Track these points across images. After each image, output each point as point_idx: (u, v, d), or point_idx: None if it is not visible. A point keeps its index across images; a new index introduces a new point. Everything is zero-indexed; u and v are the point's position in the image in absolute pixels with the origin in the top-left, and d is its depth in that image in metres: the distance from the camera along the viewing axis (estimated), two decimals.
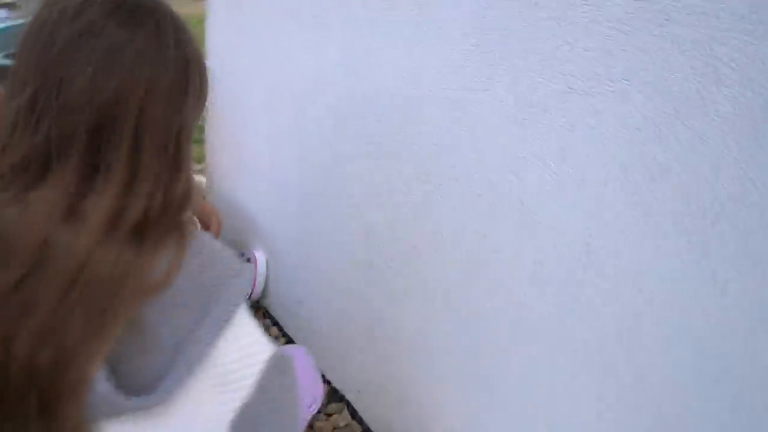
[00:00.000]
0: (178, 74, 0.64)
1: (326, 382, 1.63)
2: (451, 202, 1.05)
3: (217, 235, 1.24)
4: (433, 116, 1.04)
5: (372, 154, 1.20)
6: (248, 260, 1.80)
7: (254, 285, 1.78)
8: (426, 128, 1.06)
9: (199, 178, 2.50)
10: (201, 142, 2.07)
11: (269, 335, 1.80)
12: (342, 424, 1.52)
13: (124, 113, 0.60)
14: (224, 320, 0.65)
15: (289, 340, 1.78)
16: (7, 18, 3.56)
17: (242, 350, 0.71)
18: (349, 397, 1.55)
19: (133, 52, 0.60)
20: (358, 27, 1.16)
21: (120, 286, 0.59)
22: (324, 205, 1.44)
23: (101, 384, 0.59)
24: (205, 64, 0.71)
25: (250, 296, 1.77)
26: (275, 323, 1.85)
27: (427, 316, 1.18)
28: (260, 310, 1.91)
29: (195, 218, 0.88)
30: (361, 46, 1.17)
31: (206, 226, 1.19)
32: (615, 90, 0.75)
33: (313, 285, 1.58)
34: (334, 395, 1.60)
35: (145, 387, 0.63)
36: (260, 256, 1.79)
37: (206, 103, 0.73)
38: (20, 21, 1.61)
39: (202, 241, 0.69)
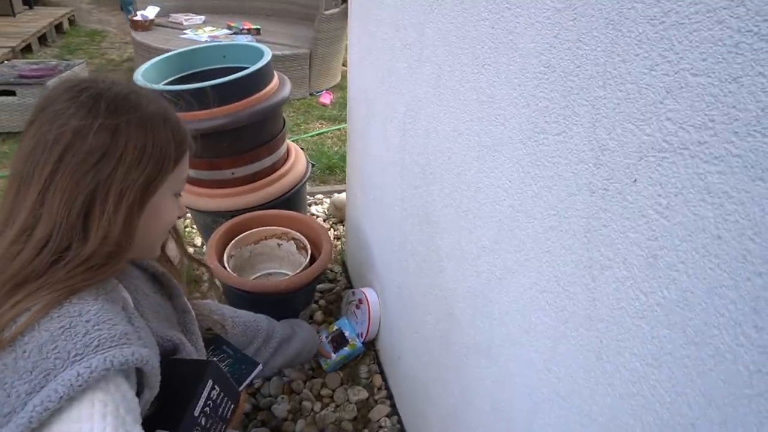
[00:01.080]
0: (100, 140, 0.67)
1: None
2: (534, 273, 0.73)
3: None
4: (507, 172, 0.74)
5: (457, 206, 0.94)
6: (360, 301, 1.66)
7: (369, 325, 1.63)
8: (501, 183, 0.76)
9: (341, 197, 2.46)
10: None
11: (372, 383, 1.70)
12: None
13: (42, 166, 0.65)
14: (50, 401, 0.54)
15: (390, 395, 1.59)
16: (251, 39, 4.10)
17: None
18: None
19: (64, 117, 0.67)
20: (450, 47, 0.91)
21: None
22: (417, 256, 1.21)
23: None
24: (166, 142, 0.72)
25: (364, 337, 1.63)
26: (381, 371, 1.67)
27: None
28: (371, 353, 1.75)
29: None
30: (449, 68, 0.92)
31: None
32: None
33: (408, 340, 1.35)
34: None
35: None
36: (372, 297, 1.63)
37: (157, 179, 0.72)
38: (258, 44, 1.80)
39: (86, 306, 0.62)
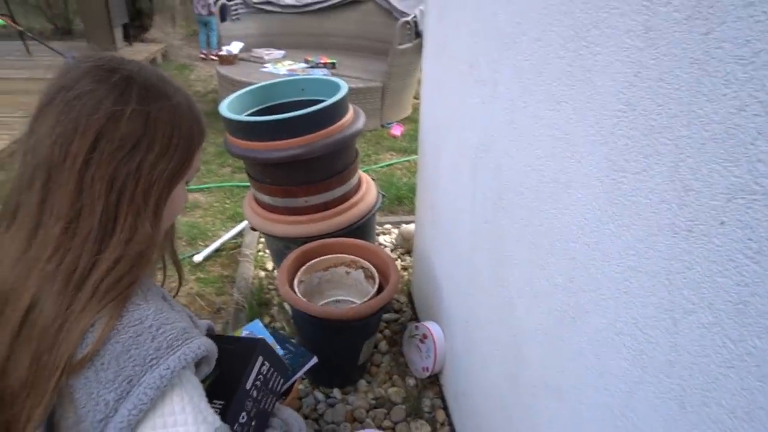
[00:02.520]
0: (133, 127, 0.65)
1: None
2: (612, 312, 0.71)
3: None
4: (582, 209, 0.73)
5: (530, 241, 0.93)
6: (424, 335, 1.65)
7: (434, 360, 1.62)
8: (576, 221, 0.75)
9: (409, 228, 2.47)
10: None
11: (435, 418, 1.68)
12: None
13: (75, 151, 0.63)
14: (143, 404, 0.59)
15: (453, 430, 1.55)
16: (327, 73, 4.28)
17: None
18: None
19: (93, 100, 0.64)
20: (524, 84, 0.91)
21: (54, 340, 0.60)
22: (485, 291, 1.19)
23: None
24: (190, 132, 0.71)
25: (429, 371, 1.62)
26: (445, 406, 1.65)
27: None
28: (435, 387, 1.73)
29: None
30: (523, 104, 0.92)
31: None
32: None
33: (474, 376, 1.33)
34: None
35: None
36: (437, 331, 1.62)
37: (183, 170, 0.71)
38: (334, 78, 1.88)
39: (144, 312, 0.64)
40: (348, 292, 1.82)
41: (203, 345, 0.67)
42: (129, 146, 0.65)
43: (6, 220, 0.67)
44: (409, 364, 1.80)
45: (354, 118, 1.83)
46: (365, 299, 1.56)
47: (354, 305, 1.57)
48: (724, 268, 0.48)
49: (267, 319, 2.04)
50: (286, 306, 2.09)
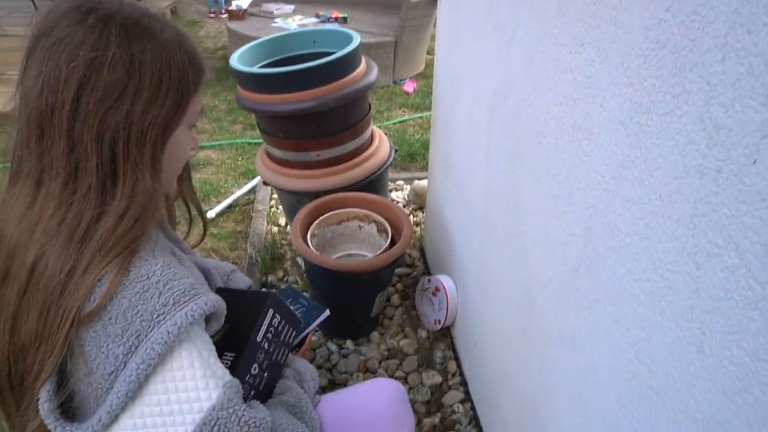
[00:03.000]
0: (116, 74, 0.61)
1: None
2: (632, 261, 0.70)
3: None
4: (603, 155, 0.71)
5: (547, 190, 0.91)
6: (436, 288, 1.66)
7: (446, 312, 1.63)
8: (596, 167, 0.73)
9: (422, 183, 2.46)
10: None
11: (446, 369, 1.71)
12: None
13: (61, 103, 0.60)
14: (152, 358, 0.60)
15: (464, 381, 1.58)
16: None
17: (173, 398, 0.62)
18: None
19: (71, 46, 0.60)
20: (545, 26, 0.88)
21: (61, 293, 0.60)
22: (499, 241, 1.19)
23: (44, 402, 0.61)
24: (183, 73, 0.67)
25: (441, 324, 1.63)
26: (456, 357, 1.67)
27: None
28: (447, 339, 1.75)
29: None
30: (543, 48, 0.89)
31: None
32: None
33: (486, 328, 1.34)
34: None
35: (85, 412, 0.63)
36: (449, 284, 1.63)
37: (178, 114, 0.67)
38: (346, 29, 1.81)
39: (151, 267, 0.64)
40: (360, 246, 1.83)
41: (210, 301, 0.66)
42: (115, 95, 0.61)
43: (13, 177, 0.67)
44: (421, 317, 1.82)
45: (367, 70, 1.79)
46: (378, 253, 1.57)
47: (367, 258, 1.58)
48: (754, 208, 0.46)
49: (280, 274, 2.06)
50: (299, 260, 2.11)
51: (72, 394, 0.63)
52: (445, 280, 1.64)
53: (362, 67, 1.77)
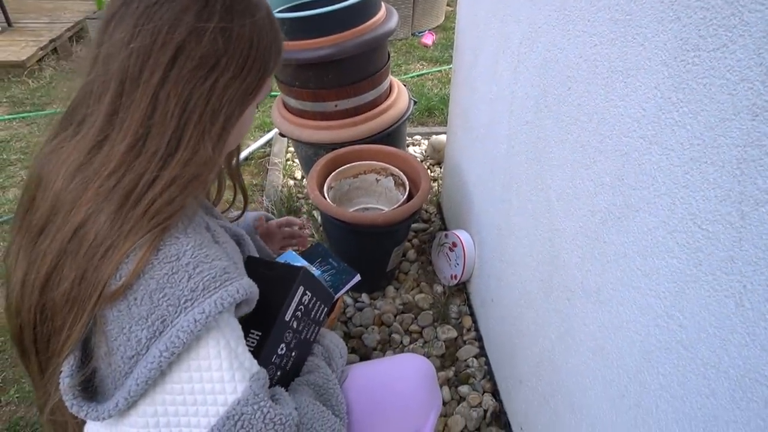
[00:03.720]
0: (214, 45, 0.61)
1: (498, 401, 1.39)
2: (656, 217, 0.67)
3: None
4: (641, 99, 0.67)
5: (576, 139, 0.87)
6: (453, 244, 1.64)
7: (463, 267, 1.61)
8: (632, 112, 0.69)
9: (440, 138, 2.40)
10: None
11: (461, 324, 1.71)
12: None
13: (153, 66, 0.59)
14: (175, 347, 0.57)
15: (479, 336, 1.58)
16: None
17: (197, 387, 0.59)
18: (514, 429, 1.28)
19: (174, 10, 0.60)
20: None
21: (102, 260, 0.57)
22: (521, 195, 1.15)
23: (65, 377, 0.58)
24: (268, 53, 0.67)
25: (457, 279, 1.62)
26: (471, 313, 1.67)
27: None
28: (462, 294, 1.74)
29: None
30: None
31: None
32: None
33: (504, 283, 1.32)
34: (499, 420, 1.36)
35: (104, 392, 0.61)
36: (467, 239, 1.60)
37: (254, 93, 0.68)
38: None
39: (182, 247, 0.60)
40: (377, 200, 1.80)
41: (242, 288, 0.63)
42: (208, 65, 0.61)
43: (70, 127, 0.63)
44: (437, 272, 1.80)
45: (387, 17, 1.72)
46: (395, 206, 1.54)
47: (384, 212, 1.56)
48: None
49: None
50: (316, 214, 2.09)
51: (94, 371, 0.60)
52: (462, 235, 1.61)
53: (382, 12, 1.70)
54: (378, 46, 1.69)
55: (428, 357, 1.53)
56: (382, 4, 1.76)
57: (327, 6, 1.60)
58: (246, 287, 0.64)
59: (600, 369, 0.81)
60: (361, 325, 1.66)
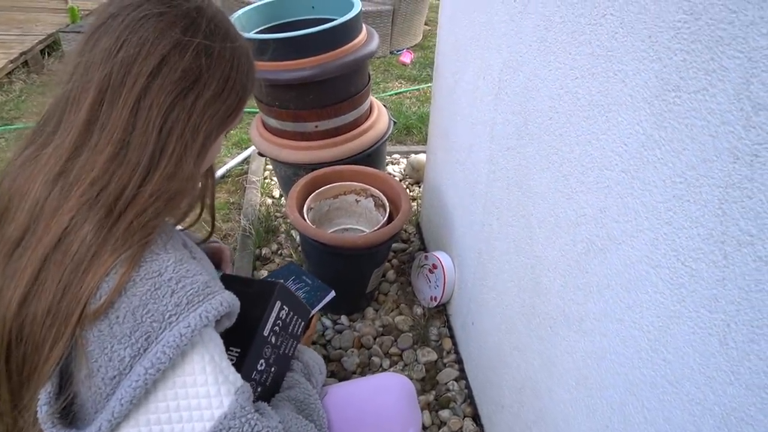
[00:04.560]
0: (197, 61, 0.62)
1: (479, 425, 1.39)
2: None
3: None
4: (623, 134, 0.68)
5: (558, 169, 0.88)
6: (433, 265, 1.64)
7: (443, 290, 1.61)
8: (614, 147, 0.70)
9: (419, 158, 2.41)
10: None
11: (441, 346, 1.70)
12: None
13: (134, 77, 0.60)
14: (161, 363, 0.55)
15: (459, 359, 1.57)
16: None
17: (182, 404, 0.58)
18: None
19: (161, 24, 0.61)
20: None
21: (83, 275, 0.56)
22: (503, 220, 1.16)
23: (42, 405, 0.56)
24: (246, 78, 0.70)
25: (437, 301, 1.62)
26: (452, 335, 1.66)
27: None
28: (443, 316, 1.74)
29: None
30: (560, 20, 0.84)
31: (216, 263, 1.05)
32: None
33: (485, 307, 1.32)
34: None
35: (84, 418, 0.58)
36: (446, 261, 1.61)
37: (233, 114, 0.69)
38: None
39: (163, 263, 0.59)
40: (357, 221, 1.80)
41: (225, 301, 0.62)
42: (190, 80, 0.62)
43: (42, 136, 0.62)
44: (417, 294, 1.80)
45: (368, 39, 1.73)
46: (376, 228, 1.54)
47: (365, 233, 1.55)
48: None
49: (274, 247, 2.03)
50: (294, 233, 2.07)
51: (73, 396, 0.58)
52: (442, 258, 1.62)
53: (363, 34, 1.71)
54: (359, 67, 1.69)
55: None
56: (363, 25, 1.77)
57: (307, 25, 1.61)
58: (229, 300, 0.64)
59: (584, 399, 0.81)
60: (340, 348, 1.64)
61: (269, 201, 2.31)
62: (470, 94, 1.36)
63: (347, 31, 1.64)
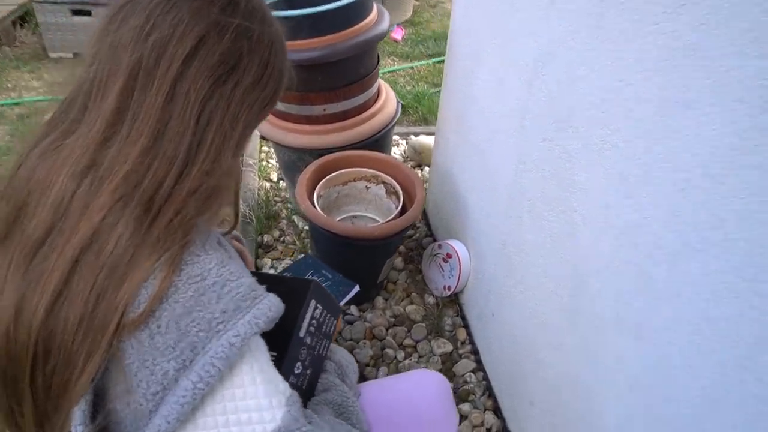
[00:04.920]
0: (236, 44, 0.57)
1: (501, 419, 1.37)
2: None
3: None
4: (708, 135, 0.63)
5: (612, 166, 0.83)
6: (447, 254, 1.59)
7: (458, 279, 1.57)
8: (694, 147, 0.66)
9: (422, 141, 2.35)
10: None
11: (456, 337, 1.67)
12: None
13: (168, 60, 0.54)
14: (211, 376, 0.50)
15: (475, 350, 1.55)
16: None
17: (232, 419, 0.53)
18: None
19: (196, 2, 0.56)
20: None
21: (124, 275, 0.50)
22: (536, 214, 1.11)
23: (77, 425, 0.51)
24: (283, 64, 0.65)
25: (451, 291, 1.58)
26: (466, 325, 1.63)
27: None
28: (455, 305, 1.70)
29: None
30: (620, 2, 0.79)
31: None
32: None
33: (510, 299, 1.29)
34: None
35: None
36: (462, 251, 1.56)
37: (270, 104, 0.64)
38: None
39: (205, 266, 0.54)
40: (366, 208, 1.74)
41: (273, 305, 0.57)
42: (229, 64, 0.57)
43: (64, 123, 0.55)
44: (428, 283, 1.76)
45: (379, 18, 1.64)
46: (390, 218, 1.48)
47: (379, 223, 1.49)
48: None
49: (276, 233, 1.96)
50: (296, 219, 2.01)
51: (108, 414, 0.52)
52: (458, 247, 1.57)
53: (374, 13, 1.63)
54: (370, 48, 1.61)
55: None
56: (374, 4, 1.68)
57: (312, 5, 1.51)
58: (276, 303, 0.59)
59: (640, 406, 0.79)
60: (351, 339, 1.60)
61: (267, 185, 2.23)
62: (493, 81, 1.30)
63: (360, 9, 1.55)
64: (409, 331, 1.62)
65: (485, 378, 1.47)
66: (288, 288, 0.79)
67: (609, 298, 0.86)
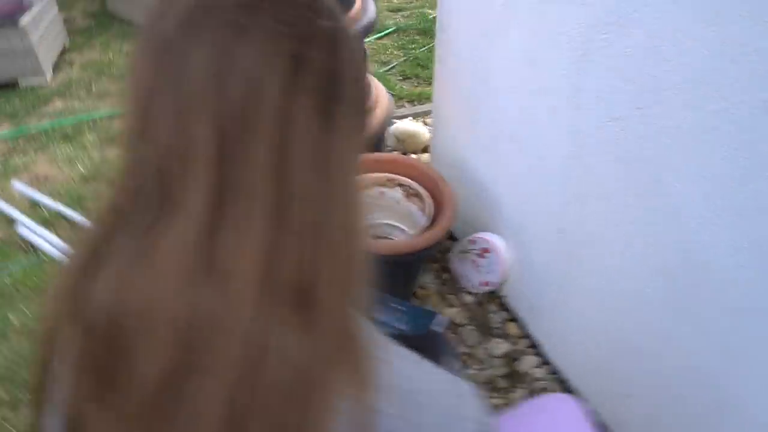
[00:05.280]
0: (326, 52, 0.40)
1: None
2: None
3: None
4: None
5: (725, 151, 0.75)
6: (483, 249, 1.50)
7: (500, 274, 1.48)
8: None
9: (402, 127, 2.23)
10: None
11: (507, 333, 1.58)
12: None
13: (268, 96, 0.38)
14: None
15: (532, 344, 1.47)
16: None
17: None
18: None
19: (270, 20, 0.38)
20: None
21: (292, 403, 0.37)
22: (610, 200, 1.03)
23: None
24: (364, 68, 0.47)
25: (490, 286, 1.49)
26: (513, 319, 1.55)
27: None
28: (496, 300, 1.62)
29: None
30: None
31: None
32: None
33: (579, 290, 1.21)
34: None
35: None
36: (500, 244, 1.47)
37: (363, 134, 0.48)
38: None
39: (399, 370, 0.42)
40: (386, 215, 1.61)
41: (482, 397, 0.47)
42: (327, 80, 0.40)
43: (135, 225, 0.40)
44: (461, 280, 1.66)
45: (362, 8, 1.49)
46: (426, 226, 1.37)
47: (417, 237, 1.37)
48: None
49: None
50: None
51: None
52: (493, 239, 1.48)
53: (358, 5, 1.47)
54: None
55: (494, 380, 1.39)
56: None
57: None
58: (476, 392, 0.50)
59: None
60: None
61: None
62: (521, 54, 1.19)
63: (341, 2, 1.39)
64: (454, 334, 1.52)
65: (554, 371, 1.40)
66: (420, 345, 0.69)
67: (744, 283, 0.79)
